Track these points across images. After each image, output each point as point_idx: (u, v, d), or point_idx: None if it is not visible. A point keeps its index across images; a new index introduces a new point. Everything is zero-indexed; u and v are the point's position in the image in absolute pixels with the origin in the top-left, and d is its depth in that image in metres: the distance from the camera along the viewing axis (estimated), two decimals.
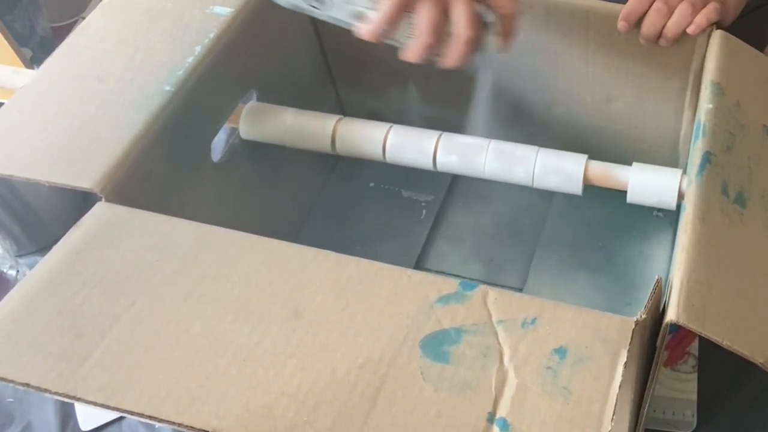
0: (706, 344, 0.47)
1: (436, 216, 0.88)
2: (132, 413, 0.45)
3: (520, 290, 0.80)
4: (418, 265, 0.83)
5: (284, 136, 0.71)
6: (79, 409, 0.75)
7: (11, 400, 0.77)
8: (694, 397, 0.71)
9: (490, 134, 0.69)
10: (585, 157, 0.66)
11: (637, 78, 0.73)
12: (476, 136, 0.69)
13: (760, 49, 0.68)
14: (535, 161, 0.66)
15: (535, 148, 0.67)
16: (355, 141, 0.70)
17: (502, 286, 0.80)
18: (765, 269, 0.53)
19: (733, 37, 0.67)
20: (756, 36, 0.71)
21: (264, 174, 0.79)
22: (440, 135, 0.69)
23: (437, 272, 0.82)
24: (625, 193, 0.66)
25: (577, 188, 0.66)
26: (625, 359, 0.45)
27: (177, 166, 0.65)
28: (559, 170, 0.66)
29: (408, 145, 0.69)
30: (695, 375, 0.72)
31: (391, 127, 0.70)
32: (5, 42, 0.93)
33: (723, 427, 0.70)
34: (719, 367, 0.72)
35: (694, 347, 0.74)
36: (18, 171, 0.58)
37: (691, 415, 0.70)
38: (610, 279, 0.80)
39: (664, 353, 0.50)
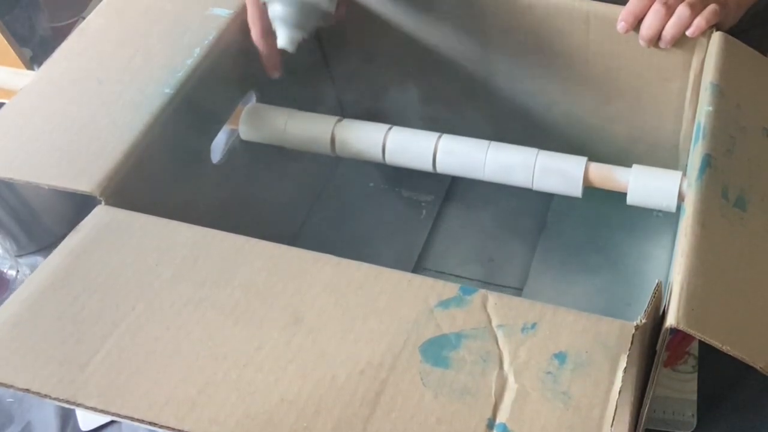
0: (706, 344, 0.47)
1: (436, 216, 0.88)
2: (132, 419, 0.45)
3: (520, 290, 0.80)
4: (418, 265, 0.83)
5: (284, 137, 0.71)
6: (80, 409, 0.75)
7: (11, 400, 0.77)
8: (694, 397, 0.71)
9: (490, 135, 0.69)
10: (585, 159, 0.66)
11: (636, 79, 0.73)
12: (476, 138, 0.68)
13: None
14: (535, 164, 0.66)
15: (535, 150, 0.67)
16: (355, 143, 0.70)
17: (502, 287, 0.80)
18: (765, 273, 0.53)
19: (733, 39, 0.66)
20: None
21: (264, 175, 0.79)
22: (440, 136, 0.69)
23: (437, 272, 0.82)
24: (625, 193, 0.65)
25: (576, 190, 0.66)
26: (624, 364, 0.45)
27: (177, 168, 0.65)
28: (559, 172, 0.66)
29: (407, 147, 0.69)
30: (695, 375, 0.72)
31: (390, 128, 0.69)
32: (5, 42, 0.92)
33: (723, 427, 0.70)
34: (719, 367, 0.72)
35: (694, 347, 0.73)
36: (17, 174, 0.58)
37: (691, 415, 0.70)
38: (610, 279, 0.80)
39: (664, 354, 0.50)
